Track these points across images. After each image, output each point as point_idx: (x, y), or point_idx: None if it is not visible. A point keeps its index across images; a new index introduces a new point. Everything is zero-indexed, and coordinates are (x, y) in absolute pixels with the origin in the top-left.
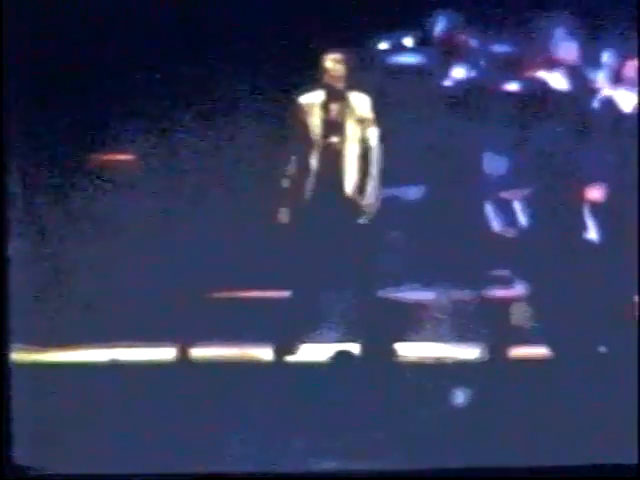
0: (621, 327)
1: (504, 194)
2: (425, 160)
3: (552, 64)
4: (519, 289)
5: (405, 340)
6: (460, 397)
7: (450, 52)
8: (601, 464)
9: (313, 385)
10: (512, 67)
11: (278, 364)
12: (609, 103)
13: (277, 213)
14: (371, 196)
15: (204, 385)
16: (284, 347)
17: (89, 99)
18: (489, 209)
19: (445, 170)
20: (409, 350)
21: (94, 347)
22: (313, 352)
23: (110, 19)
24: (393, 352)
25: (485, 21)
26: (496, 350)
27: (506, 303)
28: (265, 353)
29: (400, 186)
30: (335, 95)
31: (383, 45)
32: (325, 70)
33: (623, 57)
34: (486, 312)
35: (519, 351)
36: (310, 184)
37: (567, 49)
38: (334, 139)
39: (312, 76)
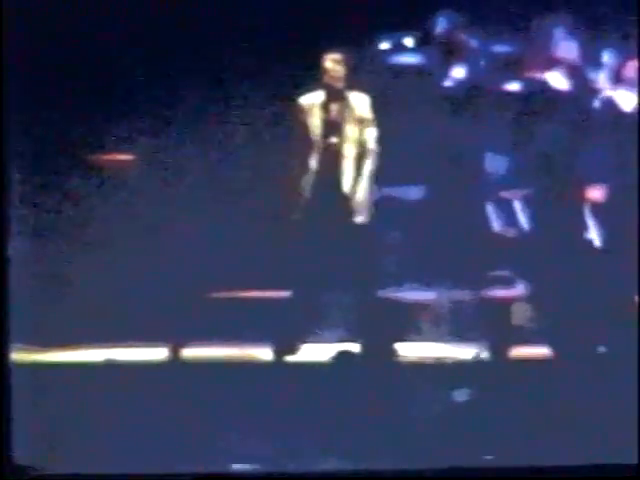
0: (621, 327)
1: (504, 194)
2: (425, 160)
3: (552, 64)
4: (519, 289)
5: (405, 340)
6: (460, 397)
7: (450, 52)
8: (601, 464)
9: (313, 385)
10: (512, 67)
11: (278, 364)
12: (609, 103)
13: (277, 213)
14: (367, 195)
15: (204, 385)
16: (284, 347)
17: (89, 99)
18: (489, 209)
19: (445, 170)
20: (409, 350)
21: (94, 347)
22: (313, 352)
23: (110, 19)
24: (393, 352)
25: (485, 21)
26: (496, 350)
27: (506, 303)
28: (265, 353)
29: (400, 186)
30: (335, 95)
31: (383, 45)
32: (325, 70)
33: (623, 57)
34: (486, 312)
35: (519, 351)
36: (310, 184)
37: (567, 49)
38: (334, 139)
39: (312, 76)
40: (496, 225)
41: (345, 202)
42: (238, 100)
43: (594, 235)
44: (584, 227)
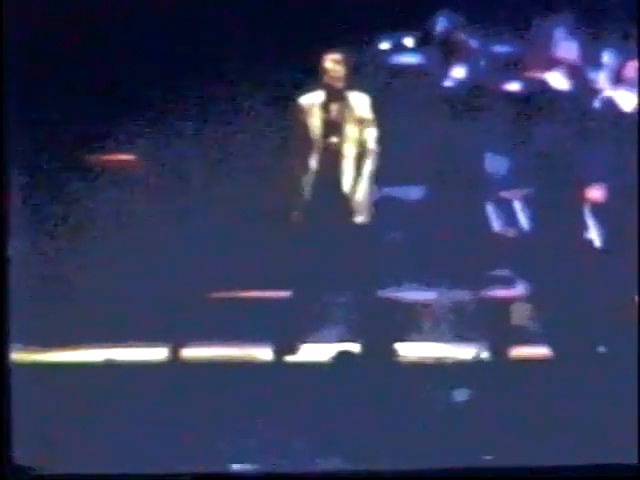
0: (621, 327)
1: (504, 194)
2: (425, 160)
3: (552, 64)
4: (519, 289)
5: (405, 340)
6: (460, 397)
7: (450, 52)
8: (601, 464)
9: (313, 385)
10: (512, 67)
11: (278, 364)
12: (609, 103)
13: (277, 213)
14: (367, 195)
15: (204, 385)
16: (284, 347)
17: (89, 99)
18: (489, 209)
19: (445, 170)
20: (409, 350)
21: (94, 347)
22: (313, 352)
23: (110, 19)
24: (393, 352)
25: (485, 21)
26: (496, 350)
27: (506, 303)
28: (265, 353)
29: (400, 186)
30: (335, 95)
31: (383, 45)
32: (325, 70)
33: (623, 57)
34: (486, 312)
35: (519, 351)
36: (310, 184)
37: (567, 49)
38: (334, 139)
39: (312, 76)
40: (496, 225)
41: (345, 202)
42: (238, 100)
43: (594, 235)
44: (584, 227)
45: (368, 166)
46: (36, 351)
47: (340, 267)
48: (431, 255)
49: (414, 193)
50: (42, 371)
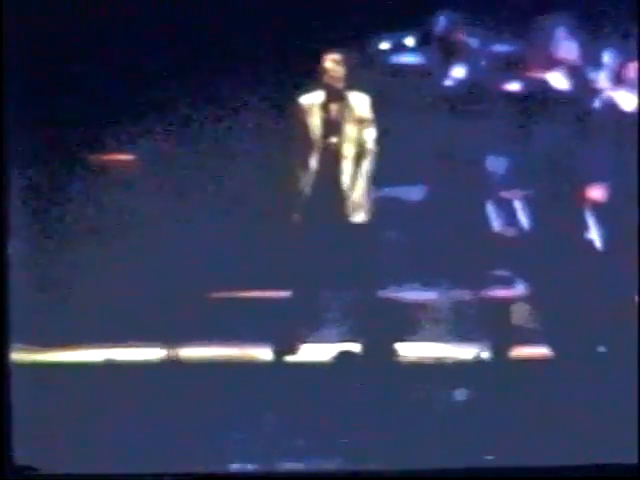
0: (621, 327)
1: (505, 194)
2: (425, 160)
3: (553, 64)
4: (519, 289)
5: (405, 340)
6: (460, 397)
7: (450, 52)
8: (601, 464)
9: (313, 385)
10: (512, 67)
11: (278, 364)
12: (610, 103)
13: (277, 213)
14: (367, 195)
15: (204, 385)
16: (284, 347)
17: (89, 99)
18: (490, 209)
19: (445, 170)
20: (409, 350)
21: (94, 347)
22: (313, 352)
23: (110, 19)
24: (393, 352)
25: (485, 21)
26: (496, 350)
27: (506, 303)
28: (265, 353)
29: (401, 186)
30: (335, 95)
31: (383, 45)
32: (325, 70)
33: (624, 57)
34: (486, 312)
35: (519, 351)
36: (310, 184)
37: (568, 49)
38: (334, 139)
39: (312, 76)
40: (496, 225)
41: (345, 202)
42: (238, 100)
43: (594, 235)
44: (584, 227)
45: (368, 166)
46: (36, 351)
47: (340, 267)
48: (431, 255)
49: (414, 193)
50: (42, 371)
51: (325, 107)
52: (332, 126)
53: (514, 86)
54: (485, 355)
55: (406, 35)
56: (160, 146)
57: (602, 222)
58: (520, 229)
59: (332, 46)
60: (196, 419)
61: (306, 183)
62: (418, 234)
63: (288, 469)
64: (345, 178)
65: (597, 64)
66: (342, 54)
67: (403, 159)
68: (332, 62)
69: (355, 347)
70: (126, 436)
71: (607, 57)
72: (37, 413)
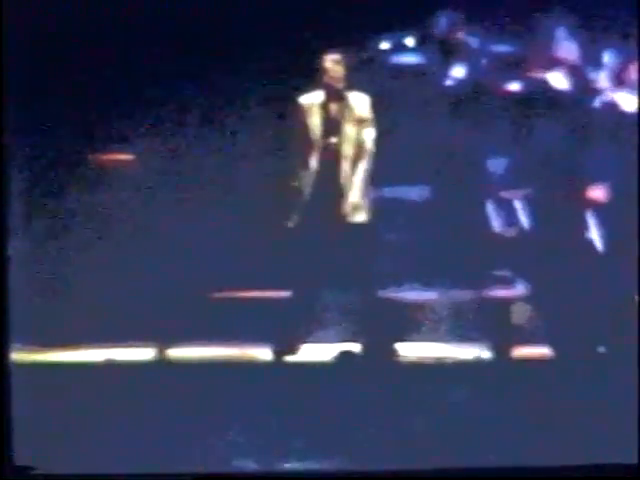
0: (621, 327)
1: (505, 194)
2: (425, 160)
3: (553, 64)
4: (520, 289)
5: (405, 340)
6: (460, 397)
7: (450, 52)
8: (601, 464)
9: (313, 385)
10: (513, 67)
11: (278, 364)
12: (610, 103)
13: (277, 213)
14: (367, 195)
15: (205, 385)
16: (284, 347)
17: (89, 99)
18: (490, 209)
19: (445, 170)
20: (409, 350)
21: (94, 347)
22: (313, 352)
23: (110, 19)
24: (394, 352)
25: (485, 20)
26: (496, 350)
27: (507, 303)
28: (265, 353)
29: (400, 186)
30: (335, 95)
31: (383, 45)
32: (325, 70)
33: (624, 57)
34: (487, 312)
35: (519, 351)
36: (310, 184)
37: (568, 49)
38: (334, 139)
39: (312, 76)
40: (496, 225)
41: (345, 202)
42: (238, 100)
43: (594, 235)
44: (584, 227)
45: (368, 166)
46: (36, 351)
47: (340, 267)
48: (431, 255)
49: (414, 193)
50: (42, 371)
51: (325, 107)
52: (332, 126)
53: (514, 86)
54: (485, 355)
55: (406, 35)
56: (160, 146)
57: (602, 222)
58: (520, 229)
59: (332, 46)
60: (196, 419)
61: (306, 183)
62: (418, 234)
63: (288, 469)
64: (345, 178)
65: (597, 64)
66: (342, 54)
67: (403, 159)
68: (332, 62)
69: (355, 347)
70: (126, 436)
71: (607, 57)
72: (37, 413)
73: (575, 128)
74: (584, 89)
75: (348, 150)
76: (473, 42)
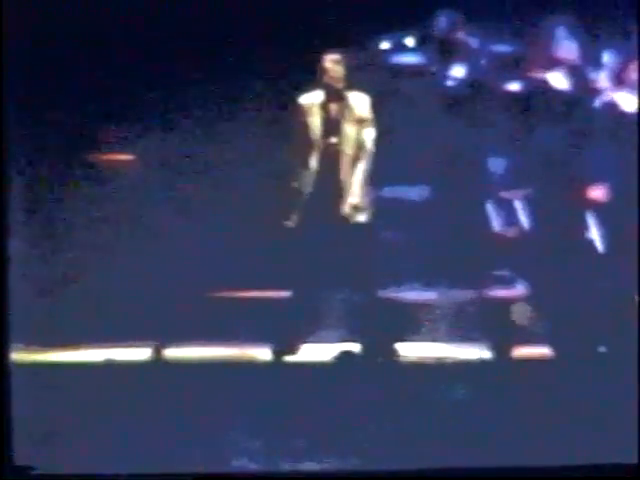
0: (621, 327)
1: (505, 194)
2: (425, 160)
3: (553, 64)
4: (519, 289)
5: (406, 340)
6: (461, 397)
7: (450, 51)
8: (601, 464)
9: (313, 385)
10: (512, 67)
11: (278, 364)
12: (610, 103)
13: (278, 213)
14: (367, 195)
15: (204, 385)
16: (284, 347)
17: (89, 99)
18: (490, 209)
19: (446, 170)
20: (410, 350)
21: (94, 347)
22: (313, 352)
23: (110, 19)
24: (394, 352)
25: (485, 20)
26: (496, 350)
27: (507, 303)
28: (265, 353)
29: (400, 186)
30: (335, 95)
31: (383, 45)
32: (325, 70)
33: (624, 57)
34: (487, 312)
35: (519, 351)
36: (310, 184)
37: (568, 49)
38: (334, 139)
39: (312, 76)
40: (496, 225)
41: (345, 202)
42: (238, 100)
43: (594, 235)
44: (584, 227)
45: (368, 166)
46: (36, 351)
47: (340, 267)
48: (431, 255)
49: (414, 193)
50: (42, 371)
51: (325, 107)
52: (332, 126)
53: (514, 86)
54: (485, 355)
55: (406, 35)
56: (160, 146)
57: (602, 222)
58: (520, 229)
59: (332, 46)
60: (196, 419)
61: (306, 183)
62: (418, 234)
63: (288, 469)
64: (345, 178)
65: (597, 64)
66: (342, 54)
67: (403, 159)
68: (332, 62)
69: (355, 347)
70: (126, 436)
71: (607, 57)
72: (37, 413)
73: (575, 128)
74: (584, 89)
75: (348, 150)
76: (473, 42)
